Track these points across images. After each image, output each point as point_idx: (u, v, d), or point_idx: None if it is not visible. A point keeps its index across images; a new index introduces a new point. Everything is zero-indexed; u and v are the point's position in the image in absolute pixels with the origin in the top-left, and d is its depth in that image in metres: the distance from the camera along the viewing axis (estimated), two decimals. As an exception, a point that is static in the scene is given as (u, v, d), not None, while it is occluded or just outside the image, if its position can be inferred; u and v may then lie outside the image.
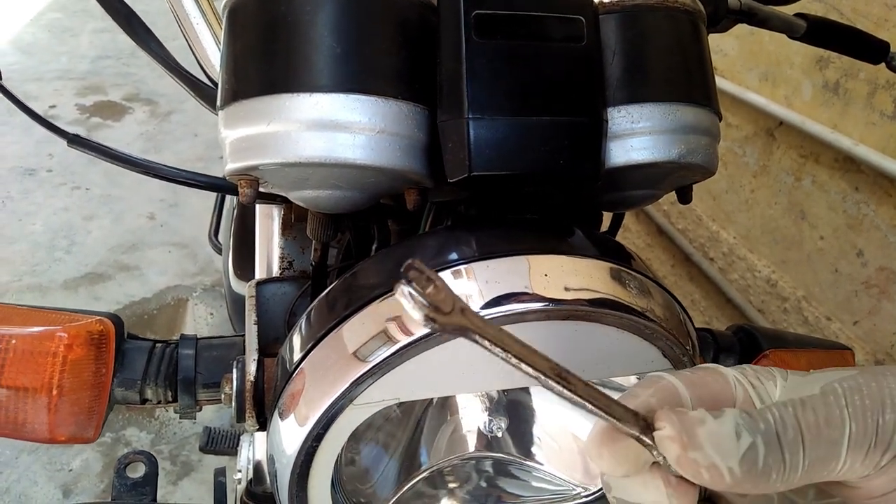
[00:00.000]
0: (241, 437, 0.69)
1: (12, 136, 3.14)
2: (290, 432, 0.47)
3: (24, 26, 4.52)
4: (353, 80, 0.46)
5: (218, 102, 0.51)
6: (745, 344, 0.71)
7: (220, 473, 0.79)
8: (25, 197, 2.79)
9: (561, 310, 0.46)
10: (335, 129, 0.46)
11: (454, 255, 0.48)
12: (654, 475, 0.31)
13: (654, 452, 0.30)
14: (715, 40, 1.98)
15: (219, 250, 1.66)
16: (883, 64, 0.91)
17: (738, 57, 1.91)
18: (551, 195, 0.56)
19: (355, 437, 0.60)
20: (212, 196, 1.98)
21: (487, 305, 0.45)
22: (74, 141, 0.63)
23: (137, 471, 0.77)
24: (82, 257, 2.47)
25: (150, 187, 2.81)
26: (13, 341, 0.51)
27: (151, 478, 0.75)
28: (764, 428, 0.29)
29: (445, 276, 0.47)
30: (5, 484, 1.69)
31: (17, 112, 0.70)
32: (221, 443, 1.39)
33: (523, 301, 0.45)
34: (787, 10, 0.85)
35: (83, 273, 2.39)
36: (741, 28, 0.83)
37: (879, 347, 1.50)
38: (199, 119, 3.48)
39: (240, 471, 0.65)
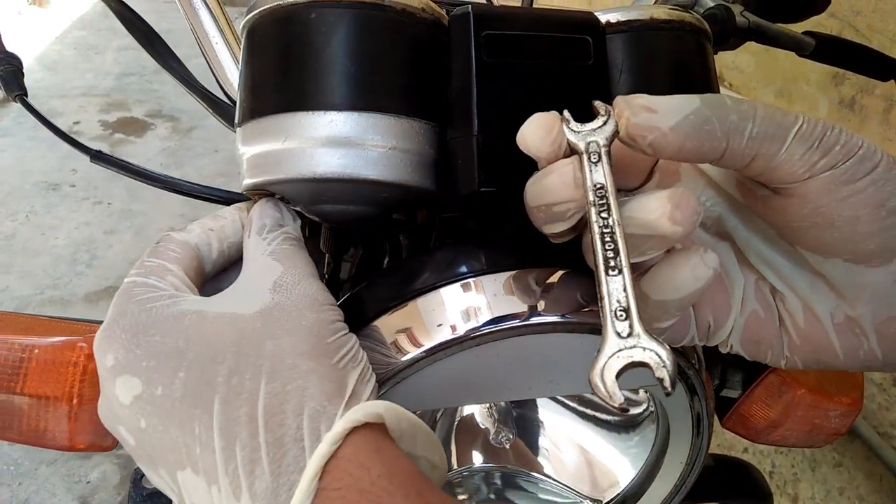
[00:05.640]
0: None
1: (38, 152, 3.20)
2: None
3: (49, 44, 4.62)
4: (365, 99, 0.48)
5: (236, 120, 0.52)
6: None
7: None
8: (49, 211, 2.84)
9: (567, 323, 0.47)
10: (349, 147, 0.48)
11: (463, 269, 0.49)
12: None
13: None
14: (730, 57, 1.98)
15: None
16: (893, 81, 0.91)
17: (754, 73, 1.91)
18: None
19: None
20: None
21: (492, 322, 0.46)
22: (97, 157, 0.65)
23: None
24: (103, 271, 2.50)
25: (170, 202, 2.85)
26: (35, 351, 0.53)
27: (167, 488, 0.77)
28: (715, 101, 0.34)
29: (454, 288, 0.48)
30: (25, 494, 1.71)
31: (43, 128, 0.72)
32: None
33: (530, 315, 0.46)
34: (797, 28, 0.86)
35: (104, 286, 2.42)
36: (756, 45, 0.84)
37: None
38: (219, 135, 3.53)
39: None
